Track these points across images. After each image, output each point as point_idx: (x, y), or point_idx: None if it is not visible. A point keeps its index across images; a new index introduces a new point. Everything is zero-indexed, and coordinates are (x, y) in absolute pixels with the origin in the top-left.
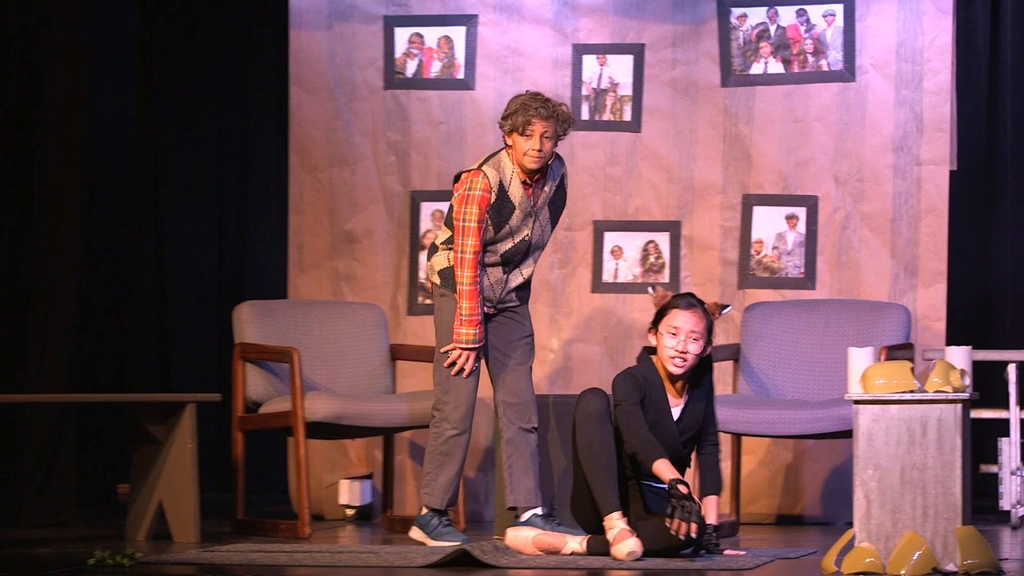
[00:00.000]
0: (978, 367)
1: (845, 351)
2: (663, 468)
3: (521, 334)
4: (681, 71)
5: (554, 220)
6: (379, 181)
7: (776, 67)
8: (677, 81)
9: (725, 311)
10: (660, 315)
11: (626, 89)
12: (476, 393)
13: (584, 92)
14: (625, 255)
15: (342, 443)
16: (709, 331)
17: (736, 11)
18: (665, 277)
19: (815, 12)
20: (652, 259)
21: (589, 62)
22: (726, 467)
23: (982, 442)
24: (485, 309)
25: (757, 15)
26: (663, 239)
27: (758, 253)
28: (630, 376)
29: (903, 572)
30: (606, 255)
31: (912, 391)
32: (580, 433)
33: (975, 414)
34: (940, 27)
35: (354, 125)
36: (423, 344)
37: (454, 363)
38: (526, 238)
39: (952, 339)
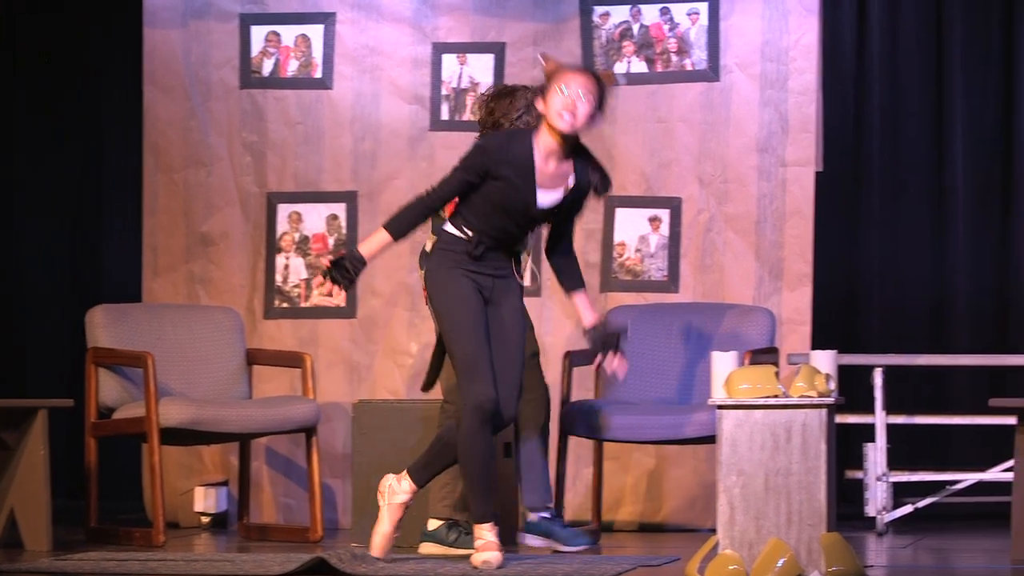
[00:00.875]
0: (843, 371)
1: (709, 355)
2: (375, 241)
3: None
4: (543, 70)
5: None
6: (235, 182)
7: (639, 66)
8: (538, 80)
9: (622, 81)
10: (546, 83)
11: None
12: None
13: (444, 92)
14: None
15: (197, 449)
16: (601, 99)
17: (599, 9)
18: (525, 280)
19: (679, 11)
20: None
21: (449, 61)
22: (588, 473)
23: (847, 447)
24: None
25: (620, 13)
26: None
27: (620, 256)
28: (487, 141)
29: None
30: None
31: (776, 396)
32: (465, 429)
33: (840, 419)
34: (806, 26)
35: (209, 125)
36: (280, 348)
37: None
38: None
39: (817, 343)
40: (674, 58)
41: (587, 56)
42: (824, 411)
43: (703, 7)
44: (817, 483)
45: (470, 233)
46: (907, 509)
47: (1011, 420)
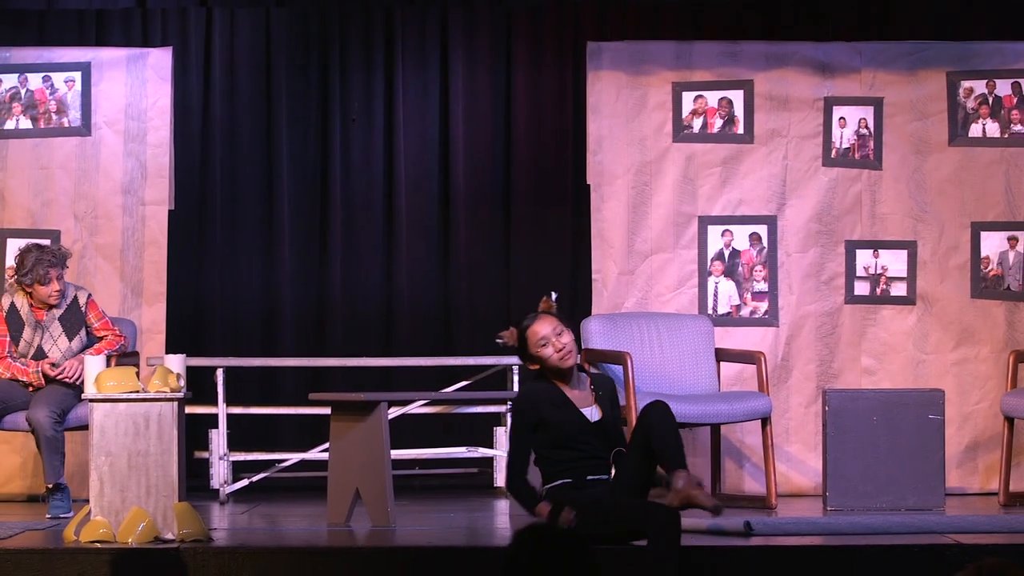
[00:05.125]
0: (192, 371)
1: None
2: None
3: None
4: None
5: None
6: None
7: (26, 123)
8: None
9: (555, 297)
10: (522, 348)
11: None
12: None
13: None
14: None
15: None
16: (561, 321)
17: None
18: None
19: (58, 78)
20: None
21: None
22: None
23: (196, 432)
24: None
25: (10, 80)
26: None
27: (11, 278)
28: (517, 402)
29: (130, 540)
30: None
31: (137, 391)
32: None
33: (190, 410)
34: (160, 91)
35: None
36: None
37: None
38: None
39: (171, 348)
40: (54, 117)
41: None
42: (175, 404)
43: (78, 75)
44: (170, 462)
45: (568, 480)
46: (244, 483)
47: (326, 411)
